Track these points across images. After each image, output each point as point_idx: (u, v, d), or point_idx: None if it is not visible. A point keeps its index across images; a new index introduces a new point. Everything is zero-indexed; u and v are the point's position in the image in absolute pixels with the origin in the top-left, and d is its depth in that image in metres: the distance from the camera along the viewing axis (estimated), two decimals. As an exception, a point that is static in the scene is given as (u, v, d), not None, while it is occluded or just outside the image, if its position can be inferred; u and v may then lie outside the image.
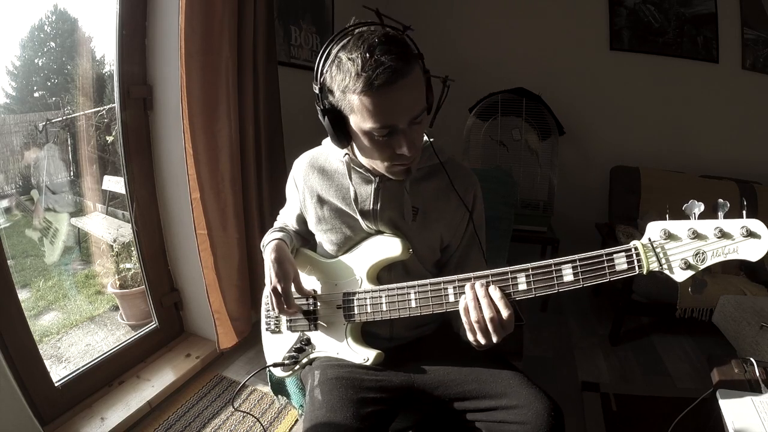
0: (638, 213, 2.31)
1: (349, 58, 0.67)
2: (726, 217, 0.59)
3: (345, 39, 0.69)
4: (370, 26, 0.71)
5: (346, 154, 0.86)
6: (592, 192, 2.59)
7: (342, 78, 0.68)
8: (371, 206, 0.86)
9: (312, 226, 0.94)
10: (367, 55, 0.65)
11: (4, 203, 1.87)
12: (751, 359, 1.01)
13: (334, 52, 0.70)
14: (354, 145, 0.79)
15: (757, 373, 0.97)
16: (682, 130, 2.48)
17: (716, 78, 2.36)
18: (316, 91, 0.74)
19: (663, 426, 1.11)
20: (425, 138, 0.85)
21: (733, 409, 0.86)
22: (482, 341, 0.72)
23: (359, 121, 0.71)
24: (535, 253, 2.50)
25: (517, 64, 2.57)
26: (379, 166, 0.79)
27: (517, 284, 0.70)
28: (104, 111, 1.83)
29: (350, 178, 0.86)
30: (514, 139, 2.35)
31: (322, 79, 0.72)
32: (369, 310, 0.85)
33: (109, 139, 1.85)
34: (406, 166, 0.78)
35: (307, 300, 0.92)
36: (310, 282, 0.94)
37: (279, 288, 0.86)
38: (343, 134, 0.75)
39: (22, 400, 1.15)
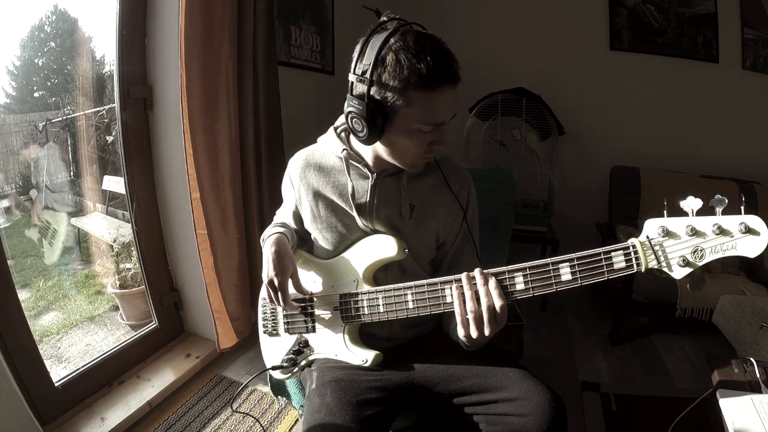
0: (638, 213, 2.31)
1: (414, 56, 0.69)
2: (725, 214, 0.59)
3: (390, 34, 0.71)
4: (408, 23, 0.74)
5: (344, 149, 0.86)
6: (592, 192, 2.59)
7: (406, 73, 0.70)
8: (368, 202, 0.87)
9: (308, 224, 0.94)
10: (438, 55, 0.70)
11: (4, 203, 1.87)
12: (751, 359, 1.01)
13: (386, 46, 0.70)
14: (383, 142, 0.79)
15: (757, 373, 0.97)
16: (681, 130, 2.48)
17: (716, 78, 2.36)
18: (357, 80, 0.73)
19: (663, 426, 1.11)
20: None
21: (733, 409, 0.86)
22: (474, 334, 0.71)
23: (415, 115, 0.73)
24: (535, 253, 2.50)
25: (517, 64, 2.57)
26: (407, 162, 0.82)
27: (514, 283, 0.70)
28: (104, 111, 1.83)
29: (348, 173, 0.86)
30: (514, 139, 2.35)
31: (373, 73, 0.71)
32: (366, 312, 0.85)
33: (109, 139, 1.85)
34: (430, 158, 0.83)
35: (304, 301, 0.92)
36: (306, 283, 0.93)
37: (276, 281, 0.85)
38: (377, 128, 0.75)
39: (22, 400, 1.15)
